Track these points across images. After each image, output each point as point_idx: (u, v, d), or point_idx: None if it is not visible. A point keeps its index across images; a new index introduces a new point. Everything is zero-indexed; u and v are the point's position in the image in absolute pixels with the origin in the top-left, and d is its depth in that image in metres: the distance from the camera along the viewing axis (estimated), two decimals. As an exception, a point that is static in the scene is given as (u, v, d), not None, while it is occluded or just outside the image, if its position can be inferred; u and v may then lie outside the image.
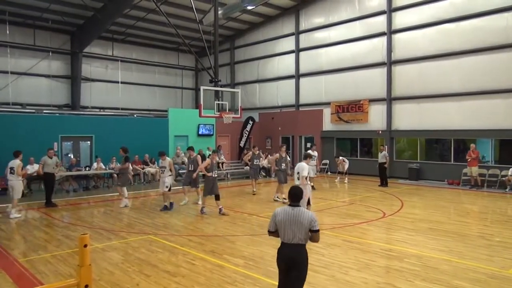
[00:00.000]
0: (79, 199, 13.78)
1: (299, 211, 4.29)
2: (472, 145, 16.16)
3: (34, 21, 21.50)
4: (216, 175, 11.35)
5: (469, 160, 15.93)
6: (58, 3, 19.56)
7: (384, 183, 16.65)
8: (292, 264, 4.23)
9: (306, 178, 9.41)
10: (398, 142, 20.33)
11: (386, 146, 17.94)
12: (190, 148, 12.83)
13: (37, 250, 7.54)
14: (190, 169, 12.58)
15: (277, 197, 13.21)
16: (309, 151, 15.27)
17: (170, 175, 11.67)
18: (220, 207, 11.04)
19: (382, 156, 16.66)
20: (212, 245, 7.90)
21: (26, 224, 9.98)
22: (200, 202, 12.12)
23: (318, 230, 4.30)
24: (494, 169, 16.24)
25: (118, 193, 13.09)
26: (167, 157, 11.93)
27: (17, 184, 10.92)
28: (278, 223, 4.33)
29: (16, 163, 10.91)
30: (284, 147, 14.18)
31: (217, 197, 11.16)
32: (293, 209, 4.31)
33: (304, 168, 9.51)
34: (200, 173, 12.04)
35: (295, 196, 4.40)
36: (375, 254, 7.25)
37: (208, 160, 11.36)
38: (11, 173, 10.90)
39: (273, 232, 4.42)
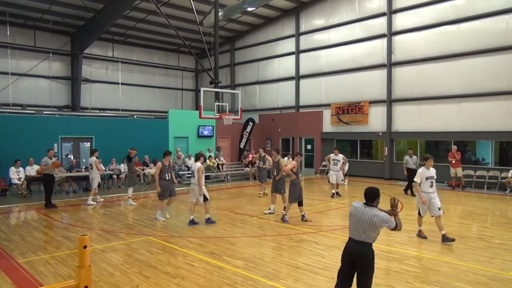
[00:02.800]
0: (78, 200, 13.75)
1: (371, 211, 4.37)
2: (454, 147, 16.14)
3: (34, 22, 21.54)
4: (300, 179, 10.33)
5: (453, 162, 15.91)
6: (58, 4, 19.59)
7: (410, 190, 14.82)
8: (356, 261, 4.37)
9: (419, 185, 8.31)
10: (398, 144, 20.33)
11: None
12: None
13: (37, 251, 7.52)
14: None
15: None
16: (331, 155, 14.40)
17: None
18: (303, 213, 10.22)
19: (414, 161, 14.74)
20: (212, 246, 7.88)
21: (26, 225, 9.96)
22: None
23: (395, 227, 4.43)
24: (494, 171, 16.24)
25: (117, 194, 13.97)
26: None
27: (95, 177, 12.99)
28: (349, 216, 4.53)
29: (92, 160, 12.99)
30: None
31: (301, 203, 10.24)
32: (365, 208, 4.42)
33: (417, 174, 8.44)
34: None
35: (369, 195, 4.50)
36: (375, 256, 7.22)
37: (294, 162, 10.28)
38: (91, 168, 13.01)
39: None
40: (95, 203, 12.92)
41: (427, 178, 8.31)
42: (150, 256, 7.24)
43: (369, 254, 4.37)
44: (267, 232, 9.07)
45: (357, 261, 4.36)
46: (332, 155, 14.49)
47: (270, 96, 26.00)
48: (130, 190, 13.07)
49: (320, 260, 6.93)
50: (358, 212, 4.43)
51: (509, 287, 5.78)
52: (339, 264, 4.62)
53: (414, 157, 14.97)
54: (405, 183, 18.08)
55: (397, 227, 4.43)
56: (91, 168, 12.98)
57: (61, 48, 22.87)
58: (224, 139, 23.96)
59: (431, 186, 8.31)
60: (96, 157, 13.09)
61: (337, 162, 14.27)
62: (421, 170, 8.43)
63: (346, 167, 18.26)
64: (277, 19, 24.92)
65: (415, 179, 8.38)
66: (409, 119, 19.10)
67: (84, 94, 23.73)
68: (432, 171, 8.39)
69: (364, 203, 4.50)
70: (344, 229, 9.34)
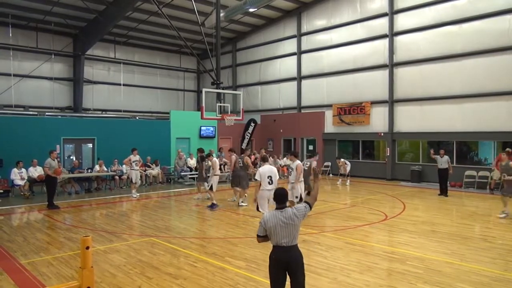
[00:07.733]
0: (81, 201, 13.78)
1: (288, 212, 4.29)
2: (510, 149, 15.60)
3: (36, 23, 21.60)
4: None
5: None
6: (60, 6, 19.63)
7: (444, 192, 14.66)
8: (293, 266, 4.25)
9: None
10: (400, 145, 20.30)
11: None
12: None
13: (39, 252, 7.54)
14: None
15: None
16: (306, 161, 11.23)
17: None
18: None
19: (445, 161, 14.31)
20: (214, 247, 7.89)
21: (28, 226, 9.99)
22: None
23: (310, 208, 4.39)
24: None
25: (119, 195, 14.28)
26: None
27: (131, 173, 14.57)
28: (269, 229, 4.28)
29: (128, 157, 14.34)
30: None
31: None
32: (282, 212, 4.30)
33: None
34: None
35: (281, 197, 4.38)
36: (377, 257, 7.23)
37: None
38: (125, 164, 15.33)
39: (263, 237, 4.41)
40: (138, 195, 14.46)
41: None
42: (153, 257, 7.24)
43: (301, 254, 4.33)
44: (269, 233, 9.06)
45: (294, 266, 4.26)
46: (306, 161, 10.93)
47: (271, 97, 26.01)
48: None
49: (322, 261, 6.92)
50: (278, 220, 4.25)
51: (512, 288, 5.76)
52: (342, 265, 4.61)
53: (446, 156, 14.39)
54: (407, 183, 18.16)
55: (312, 203, 4.42)
56: (123, 165, 15.11)
57: (63, 50, 22.92)
58: (226, 140, 23.97)
59: None
60: (135, 155, 14.44)
61: (291, 171, 10.17)
62: None
63: (348, 168, 18.30)
64: (278, 19, 24.93)
65: None
66: (411, 119, 19.07)
67: (86, 95, 23.78)
68: None
69: (277, 208, 4.36)
70: (346, 230, 9.34)
